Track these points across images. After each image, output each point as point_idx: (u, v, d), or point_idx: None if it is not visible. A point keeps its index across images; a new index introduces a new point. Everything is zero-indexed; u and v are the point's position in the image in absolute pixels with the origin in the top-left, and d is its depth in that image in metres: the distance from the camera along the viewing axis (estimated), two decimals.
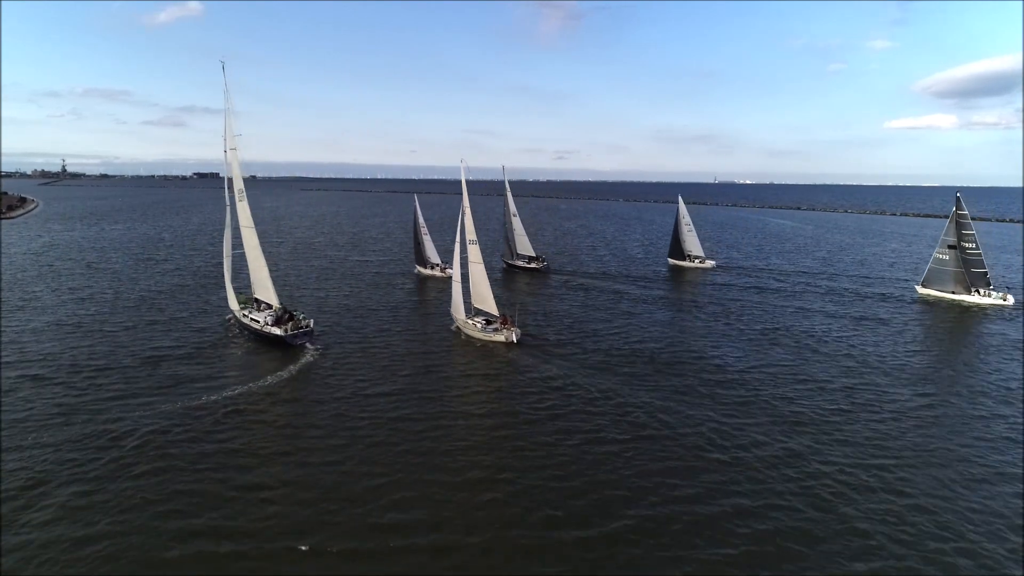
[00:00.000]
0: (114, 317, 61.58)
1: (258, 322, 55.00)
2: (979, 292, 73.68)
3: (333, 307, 68.25)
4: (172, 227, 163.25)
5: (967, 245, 74.33)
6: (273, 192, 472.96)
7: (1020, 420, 38.40)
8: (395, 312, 66.13)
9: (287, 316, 54.84)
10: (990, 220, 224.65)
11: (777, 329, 60.75)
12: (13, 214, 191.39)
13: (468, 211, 54.70)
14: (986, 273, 74.30)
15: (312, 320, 55.38)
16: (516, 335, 54.01)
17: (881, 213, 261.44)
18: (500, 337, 54.10)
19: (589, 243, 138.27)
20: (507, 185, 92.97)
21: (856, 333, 59.89)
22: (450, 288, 58.85)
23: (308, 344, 52.65)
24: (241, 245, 58.56)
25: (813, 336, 58.38)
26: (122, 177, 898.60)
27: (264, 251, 58.09)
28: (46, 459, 31.37)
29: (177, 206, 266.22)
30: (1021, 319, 65.93)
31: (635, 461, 32.36)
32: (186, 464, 31.08)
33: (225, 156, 57.03)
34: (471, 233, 55.98)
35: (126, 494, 28.14)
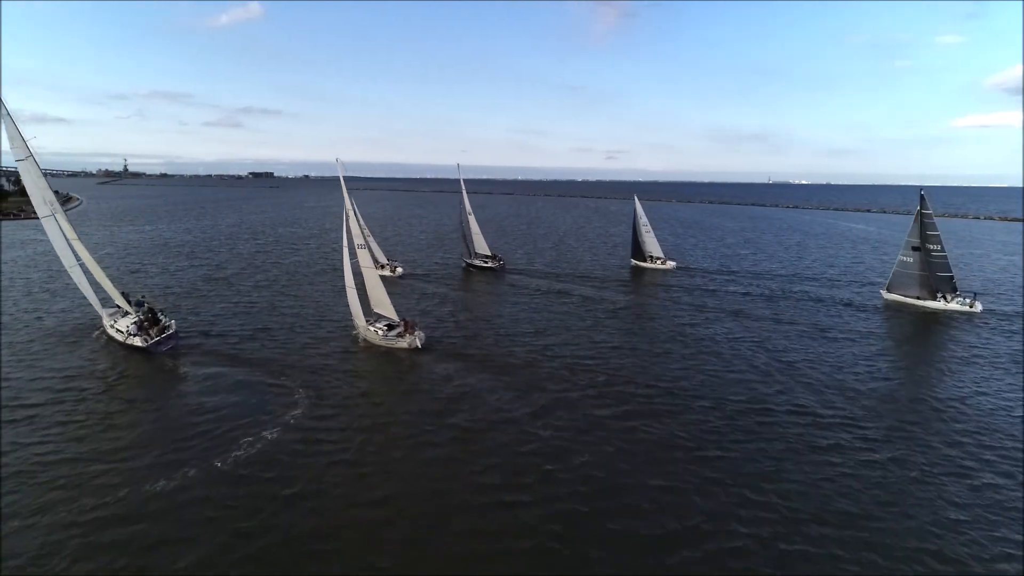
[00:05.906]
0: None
1: (122, 332, 51.16)
2: (945, 298, 67.79)
3: (265, 310, 66.55)
4: (197, 229, 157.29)
5: (932, 247, 68.41)
6: (318, 192, 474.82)
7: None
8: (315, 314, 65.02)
9: (148, 320, 52.05)
10: None
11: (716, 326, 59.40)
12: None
13: (351, 214, 52.82)
14: (952, 277, 68.26)
15: (174, 321, 53.02)
16: (420, 340, 51.94)
17: (950, 216, 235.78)
18: (403, 343, 51.71)
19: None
20: (463, 185, 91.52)
21: (803, 336, 57.47)
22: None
23: (174, 348, 49.56)
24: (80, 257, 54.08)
25: (749, 332, 57.17)
26: (181, 176, 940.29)
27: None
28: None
29: (217, 205, 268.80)
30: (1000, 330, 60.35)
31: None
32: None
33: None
34: (358, 237, 54.12)
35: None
